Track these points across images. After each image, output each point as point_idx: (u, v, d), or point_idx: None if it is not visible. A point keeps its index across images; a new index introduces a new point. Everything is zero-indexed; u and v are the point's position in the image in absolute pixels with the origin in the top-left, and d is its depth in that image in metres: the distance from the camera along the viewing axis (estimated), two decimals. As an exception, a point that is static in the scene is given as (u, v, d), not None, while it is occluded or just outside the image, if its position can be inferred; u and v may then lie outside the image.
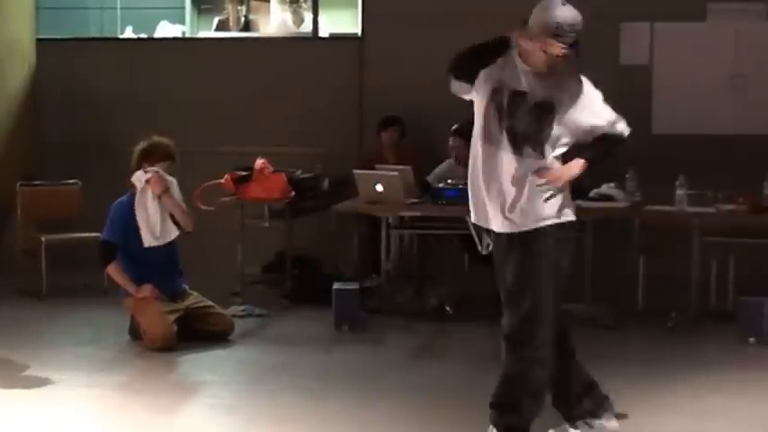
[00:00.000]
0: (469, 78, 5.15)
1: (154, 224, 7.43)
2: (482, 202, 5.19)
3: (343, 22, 10.64)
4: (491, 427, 5.16)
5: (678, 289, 8.05)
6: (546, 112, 5.04)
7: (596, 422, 5.33)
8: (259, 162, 8.57)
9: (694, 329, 7.74)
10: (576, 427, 5.32)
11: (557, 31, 4.91)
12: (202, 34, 11.09)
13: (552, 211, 5.06)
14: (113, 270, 7.50)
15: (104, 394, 6.31)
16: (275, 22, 10.99)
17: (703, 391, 6.24)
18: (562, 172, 5.08)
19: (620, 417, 5.47)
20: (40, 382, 6.43)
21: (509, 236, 5.10)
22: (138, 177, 7.44)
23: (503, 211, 5.09)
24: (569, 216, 5.12)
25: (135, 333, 7.47)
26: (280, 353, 7.28)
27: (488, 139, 5.12)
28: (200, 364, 7.05)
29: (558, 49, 4.94)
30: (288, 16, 10.85)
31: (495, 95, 5.09)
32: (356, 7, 10.18)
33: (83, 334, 7.79)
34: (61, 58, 10.55)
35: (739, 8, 9.24)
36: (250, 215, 8.74)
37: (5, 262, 9.50)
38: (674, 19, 9.30)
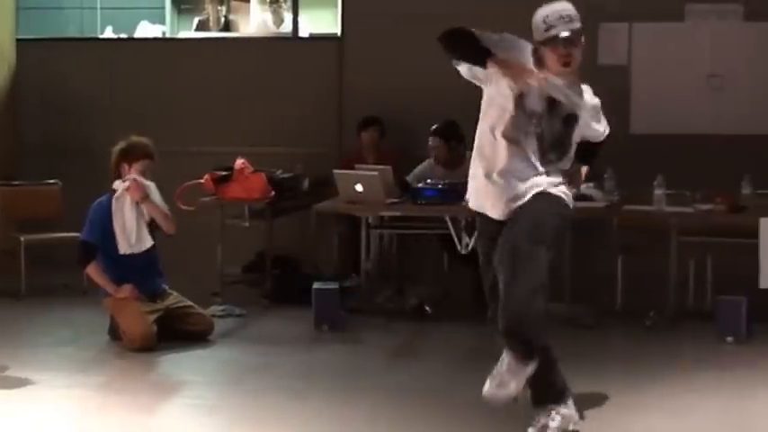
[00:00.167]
0: (472, 61, 5.13)
1: (130, 232, 7.43)
2: (484, 190, 5.23)
3: (322, 21, 10.65)
4: (506, 356, 5.11)
5: (656, 288, 8.09)
6: (572, 122, 5.19)
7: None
8: (239, 162, 8.58)
9: (672, 329, 7.78)
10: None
11: (547, 25, 5.02)
12: (182, 34, 11.09)
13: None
14: (93, 270, 7.49)
15: (84, 394, 6.30)
16: (255, 22, 11.00)
17: (681, 390, 6.28)
18: (578, 179, 5.35)
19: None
20: (20, 383, 6.41)
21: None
22: (118, 185, 7.44)
23: (507, 202, 5.15)
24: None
25: (114, 333, 7.46)
26: (260, 353, 7.29)
27: (511, 138, 5.13)
28: (180, 364, 7.05)
29: (552, 57, 5.05)
30: (268, 16, 10.86)
31: (522, 99, 5.09)
32: (336, 7, 10.18)
33: (62, 334, 7.78)
34: (41, 59, 10.53)
35: (717, 9, 9.28)
36: (230, 215, 8.74)
37: (-16, 262, 9.48)
38: (652, 19, 9.34)
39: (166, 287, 7.60)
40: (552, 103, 5.14)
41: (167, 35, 11.05)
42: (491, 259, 5.26)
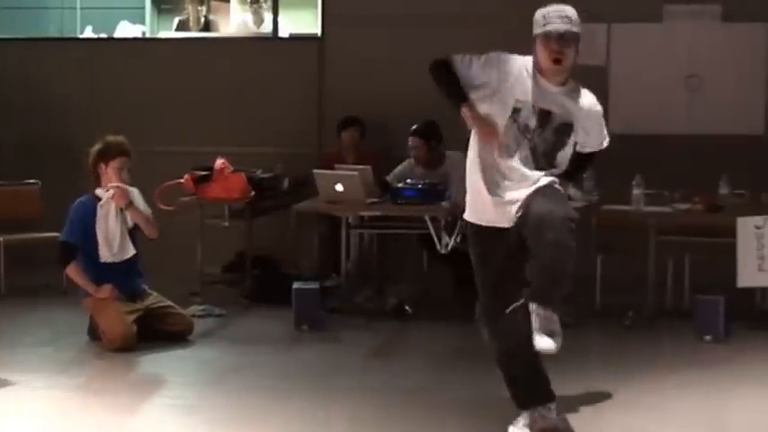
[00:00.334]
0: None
1: (112, 240, 7.43)
2: (490, 206, 5.25)
3: (303, 22, 10.65)
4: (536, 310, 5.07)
5: (635, 288, 8.13)
6: (567, 132, 5.24)
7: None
8: (219, 162, 8.58)
9: (651, 328, 7.82)
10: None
11: (545, 21, 5.09)
12: (162, 34, 11.07)
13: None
14: (72, 270, 7.49)
15: (64, 395, 6.29)
16: (235, 23, 10.99)
17: (660, 388, 6.31)
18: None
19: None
20: (-1, 384, 6.42)
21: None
22: (101, 193, 7.43)
23: (516, 209, 5.17)
24: None
25: (94, 333, 7.45)
26: (240, 353, 7.29)
27: (505, 152, 5.20)
28: (160, 364, 7.04)
29: (544, 53, 5.10)
30: (248, 16, 10.86)
31: (516, 114, 5.18)
32: (316, 7, 10.19)
33: (42, 334, 7.76)
34: (21, 58, 10.51)
35: (695, 10, 9.33)
36: (210, 215, 8.74)
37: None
38: (630, 20, 9.39)
39: (146, 287, 7.60)
40: (546, 115, 5.19)
41: (147, 35, 11.02)
42: (489, 261, 5.31)
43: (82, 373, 6.90)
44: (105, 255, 7.43)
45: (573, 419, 5.59)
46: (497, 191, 5.22)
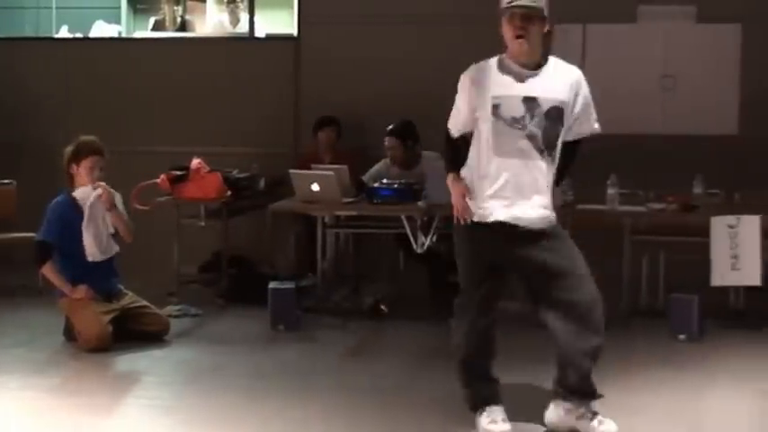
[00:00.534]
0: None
1: (101, 240, 7.42)
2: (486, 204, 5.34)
3: (279, 22, 10.66)
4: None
5: (610, 287, 8.14)
6: (559, 116, 5.30)
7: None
8: (195, 162, 8.58)
9: (626, 326, 7.83)
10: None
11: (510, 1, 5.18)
12: (138, 34, 11.05)
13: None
14: (48, 270, 7.47)
15: (39, 396, 6.27)
16: (211, 23, 10.99)
17: (634, 387, 6.34)
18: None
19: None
20: (-25, 385, 6.40)
21: (539, 230, 5.34)
22: (86, 192, 7.40)
23: (538, 209, 5.32)
24: None
25: (70, 334, 7.44)
26: (216, 352, 7.29)
27: (499, 150, 5.27)
28: (136, 364, 7.04)
29: (509, 31, 5.20)
30: (224, 16, 10.85)
31: (496, 110, 5.25)
32: (292, 8, 10.20)
33: (17, 335, 7.73)
34: (-5, 58, 10.49)
35: (669, 10, 9.38)
36: (186, 215, 8.73)
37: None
38: (605, 21, 9.44)
39: (122, 287, 7.59)
40: (531, 102, 5.25)
41: (123, 35, 11.01)
42: (485, 259, 5.39)
43: (57, 373, 6.88)
44: (95, 254, 7.41)
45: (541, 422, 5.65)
46: (496, 188, 5.31)
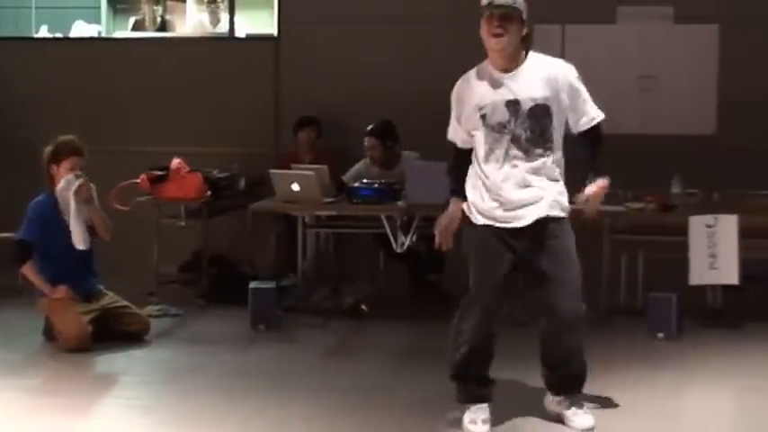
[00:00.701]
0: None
1: (84, 228, 7.40)
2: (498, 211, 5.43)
3: (259, 22, 10.66)
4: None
5: (589, 286, 8.17)
6: (545, 113, 5.38)
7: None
8: (175, 162, 8.57)
9: (605, 325, 7.85)
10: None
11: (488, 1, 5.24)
12: (118, 34, 11.02)
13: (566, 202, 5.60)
14: (28, 270, 7.45)
15: (18, 397, 6.25)
16: (192, 23, 10.97)
17: (613, 385, 6.35)
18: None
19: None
20: (-49, 386, 6.37)
21: (540, 224, 5.44)
22: (69, 181, 7.37)
23: (536, 207, 5.42)
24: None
25: (49, 334, 7.43)
26: (196, 352, 7.29)
27: (490, 158, 5.39)
28: (116, 364, 7.03)
29: (486, 31, 5.27)
30: (204, 16, 10.84)
31: (484, 119, 5.37)
32: (272, 8, 10.20)
33: (-3, 335, 7.73)
34: (-26, 58, 10.45)
35: (648, 11, 9.41)
36: (166, 215, 8.72)
37: None
38: (584, 21, 9.47)
39: (102, 287, 7.58)
40: (514, 105, 5.33)
41: (103, 35, 10.98)
42: (493, 260, 5.47)
43: (37, 374, 6.87)
44: (83, 241, 7.35)
45: (527, 417, 5.67)
46: (495, 192, 5.41)
